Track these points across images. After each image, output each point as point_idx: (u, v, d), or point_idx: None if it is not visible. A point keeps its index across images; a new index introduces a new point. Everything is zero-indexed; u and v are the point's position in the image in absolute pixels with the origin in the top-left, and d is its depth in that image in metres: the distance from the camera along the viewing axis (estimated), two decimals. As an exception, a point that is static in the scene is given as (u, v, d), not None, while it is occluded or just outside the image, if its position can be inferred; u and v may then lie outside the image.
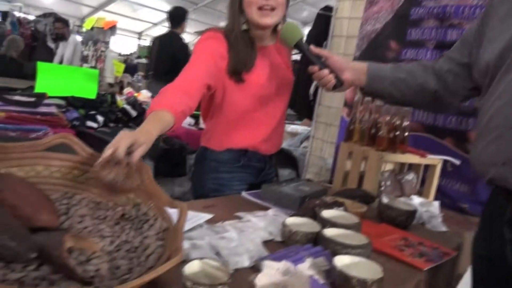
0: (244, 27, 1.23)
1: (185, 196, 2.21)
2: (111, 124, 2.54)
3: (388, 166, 1.41)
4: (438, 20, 1.62)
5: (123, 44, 9.81)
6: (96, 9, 9.06)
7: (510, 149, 0.80)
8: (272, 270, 0.64)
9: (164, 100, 1.01)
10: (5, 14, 6.42)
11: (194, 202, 1.15)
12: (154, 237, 0.69)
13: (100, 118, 2.44)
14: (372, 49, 1.86)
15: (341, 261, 0.72)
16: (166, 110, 0.97)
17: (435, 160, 1.44)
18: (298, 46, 1.10)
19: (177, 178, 2.33)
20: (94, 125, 2.39)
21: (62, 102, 2.36)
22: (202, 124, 2.76)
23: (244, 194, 1.26)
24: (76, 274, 0.54)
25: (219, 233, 0.86)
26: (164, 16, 9.78)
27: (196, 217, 0.93)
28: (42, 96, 2.14)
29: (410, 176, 1.45)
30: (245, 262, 0.76)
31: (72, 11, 8.86)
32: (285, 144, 2.66)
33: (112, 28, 7.06)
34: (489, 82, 0.88)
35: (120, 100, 2.89)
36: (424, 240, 1.04)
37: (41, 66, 2.65)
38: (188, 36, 7.32)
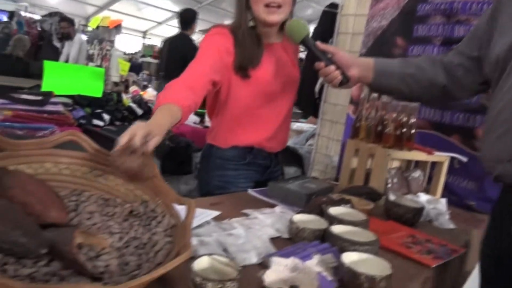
0: (251, 24, 1.23)
1: (191, 194, 2.22)
2: (117, 123, 2.56)
3: (395, 164, 1.40)
4: (445, 16, 1.60)
5: (128, 43, 9.84)
6: (101, 8, 9.10)
7: None
8: (280, 267, 0.64)
9: (171, 95, 1.01)
10: (11, 14, 6.46)
11: (201, 199, 1.16)
12: (162, 233, 0.70)
13: (106, 117, 2.45)
14: (378, 46, 1.85)
15: (349, 257, 0.72)
16: (174, 104, 0.97)
17: (442, 157, 1.43)
18: (304, 42, 1.10)
19: (183, 176, 2.33)
20: (100, 123, 2.40)
21: (68, 100, 2.38)
22: (207, 122, 2.76)
23: (251, 191, 1.26)
24: (86, 269, 0.55)
25: (226, 230, 0.86)
26: (169, 15, 9.88)
27: (203, 214, 0.94)
28: (49, 95, 2.16)
29: (417, 174, 1.44)
30: (253, 259, 0.76)
31: (77, 10, 8.91)
32: (290, 142, 2.65)
33: (117, 27, 7.08)
34: (498, 75, 0.87)
35: (126, 98, 2.90)
36: (432, 237, 1.03)
37: (48, 65, 2.67)
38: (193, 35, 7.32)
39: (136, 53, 9.25)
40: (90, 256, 0.58)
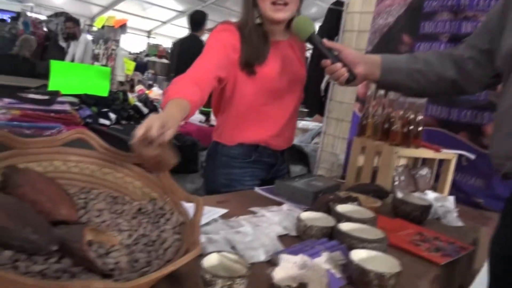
0: (258, 21, 1.23)
1: (197, 192, 2.22)
2: (124, 122, 2.57)
3: (402, 161, 1.39)
4: (452, 12, 1.59)
5: (133, 43, 9.86)
6: (106, 8, 9.13)
7: None
8: (289, 264, 0.64)
9: (179, 90, 1.02)
10: (17, 15, 6.51)
11: (208, 197, 1.16)
12: (171, 231, 0.70)
13: (112, 116, 2.46)
14: (385, 43, 1.84)
15: (358, 255, 0.72)
16: (183, 99, 0.98)
17: (450, 154, 1.42)
18: (311, 39, 1.10)
19: (188, 175, 2.34)
20: (107, 122, 2.41)
21: (75, 100, 2.39)
22: (213, 121, 2.76)
23: (257, 189, 1.27)
24: (96, 266, 0.55)
25: (234, 227, 0.87)
26: (173, 14, 9.89)
27: (210, 212, 0.94)
28: (55, 94, 2.17)
29: (424, 171, 1.43)
30: (261, 256, 0.76)
31: (82, 10, 8.95)
32: (296, 140, 2.65)
33: (123, 27, 7.10)
34: (508, 71, 0.87)
35: (132, 97, 2.91)
36: (440, 235, 1.03)
37: (54, 64, 2.69)
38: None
39: (140, 52, 9.28)
40: (100, 253, 0.59)
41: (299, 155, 2.54)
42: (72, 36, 5.32)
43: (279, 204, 1.11)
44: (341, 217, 0.90)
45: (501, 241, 0.91)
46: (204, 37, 4.07)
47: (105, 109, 2.48)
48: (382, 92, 1.35)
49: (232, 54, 1.20)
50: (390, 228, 0.99)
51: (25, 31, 5.90)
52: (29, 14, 6.64)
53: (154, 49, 9.59)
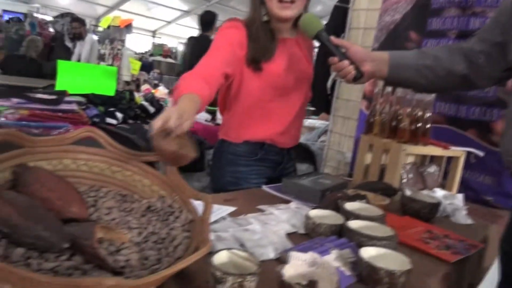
0: (265, 18, 1.23)
1: (203, 191, 2.20)
2: (130, 121, 2.57)
3: (410, 159, 1.38)
4: (460, 8, 1.58)
5: (138, 43, 9.90)
6: (111, 8, 9.16)
7: None
8: (298, 261, 0.63)
9: (190, 85, 1.02)
10: (24, 16, 6.56)
11: (215, 195, 1.16)
12: (180, 228, 0.70)
13: (119, 115, 2.47)
14: (391, 41, 1.83)
15: (368, 252, 0.71)
16: (194, 94, 0.98)
17: (458, 152, 1.41)
18: (318, 37, 1.09)
19: (195, 174, 2.34)
20: (114, 121, 2.42)
21: (82, 99, 2.40)
22: (219, 120, 2.77)
23: (265, 187, 1.26)
24: (107, 264, 0.55)
25: (242, 225, 0.87)
26: (178, 14, 9.90)
27: (219, 210, 0.94)
28: (63, 94, 2.18)
29: (432, 169, 1.42)
30: (270, 254, 0.76)
31: (88, 10, 8.99)
32: (302, 139, 2.64)
33: (128, 26, 7.12)
34: None
35: (138, 97, 2.92)
36: (450, 232, 1.02)
37: (61, 64, 2.70)
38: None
39: (146, 52, 9.31)
40: (110, 251, 0.59)
41: (306, 153, 2.53)
42: (78, 37, 5.35)
43: (287, 202, 1.10)
44: (349, 215, 0.90)
45: (509, 239, 0.90)
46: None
47: (112, 109, 2.49)
48: (389, 89, 1.34)
49: (238, 51, 1.21)
50: (399, 226, 0.98)
51: (32, 32, 5.95)
52: (35, 15, 6.68)
53: (159, 49, 9.63)
